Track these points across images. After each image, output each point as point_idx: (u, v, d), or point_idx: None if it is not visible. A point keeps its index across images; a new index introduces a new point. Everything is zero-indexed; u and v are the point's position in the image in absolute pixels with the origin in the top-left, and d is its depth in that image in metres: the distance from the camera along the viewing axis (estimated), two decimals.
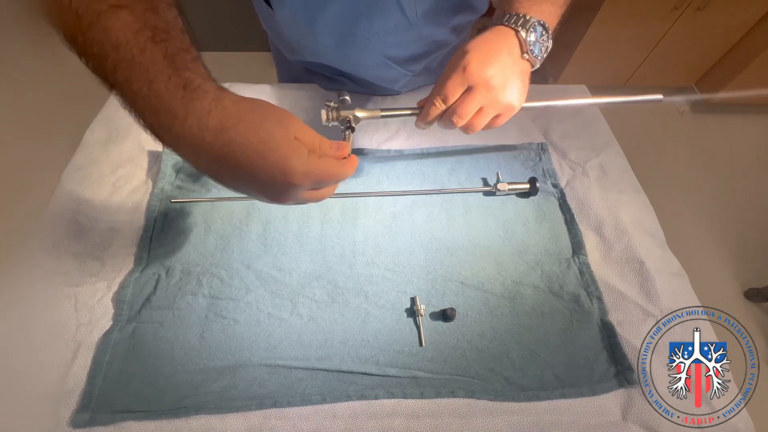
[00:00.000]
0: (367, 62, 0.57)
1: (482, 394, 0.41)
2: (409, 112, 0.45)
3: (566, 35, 1.61)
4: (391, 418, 0.40)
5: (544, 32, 0.41)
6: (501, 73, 0.39)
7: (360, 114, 0.45)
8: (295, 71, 0.67)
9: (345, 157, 0.34)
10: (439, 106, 0.41)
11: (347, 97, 0.46)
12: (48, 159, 1.08)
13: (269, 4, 0.52)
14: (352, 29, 0.51)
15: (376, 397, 0.41)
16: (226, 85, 0.67)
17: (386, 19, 0.50)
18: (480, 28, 0.45)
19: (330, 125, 0.45)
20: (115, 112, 0.61)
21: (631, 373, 0.43)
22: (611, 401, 0.42)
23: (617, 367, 0.44)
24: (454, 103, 0.40)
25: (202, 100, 0.26)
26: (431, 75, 0.66)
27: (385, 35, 0.52)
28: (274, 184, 0.29)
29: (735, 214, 1.51)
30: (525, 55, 0.41)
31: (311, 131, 0.31)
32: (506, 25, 0.41)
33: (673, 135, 1.74)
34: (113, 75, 0.26)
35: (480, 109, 0.40)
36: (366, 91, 0.65)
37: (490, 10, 0.54)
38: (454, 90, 0.39)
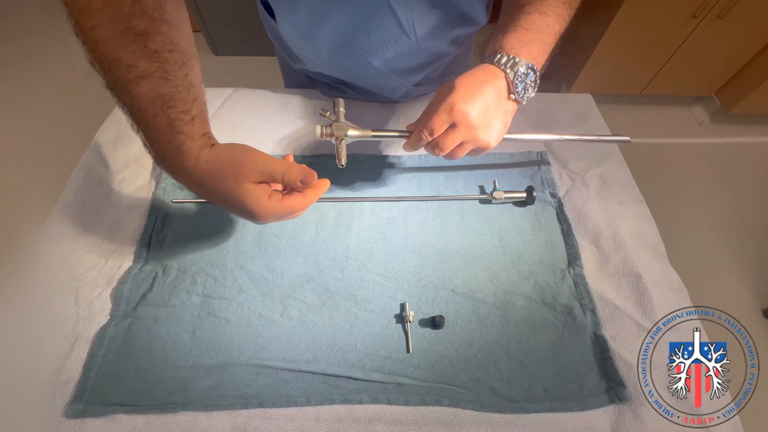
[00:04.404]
0: (366, 73, 0.58)
1: (468, 404, 0.41)
2: (397, 134, 0.47)
3: (581, 42, 1.59)
4: (374, 424, 0.40)
5: (533, 74, 0.43)
6: (484, 115, 0.41)
7: (351, 133, 0.46)
8: (299, 78, 0.69)
9: (313, 184, 0.39)
10: (426, 138, 0.43)
11: (342, 109, 0.47)
12: (59, 158, 1.12)
13: (272, 16, 0.54)
14: (349, 42, 0.52)
15: (360, 402, 0.41)
16: (230, 90, 0.68)
17: (384, 33, 0.51)
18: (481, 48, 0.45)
19: (324, 140, 0.47)
20: (122, 116, 0.63)
21: (622, 389, 0.42)
22: (601, 417, 0.41)
23: (608, 383, 0.43)
24: (438, 137, 0.43)
25: (188, 161, 0.37)
26: (432, 84, 0.66)
27: (383, 48, 0.53)
28: (248, 219, 0.39)
29: (755, 228, 1.45)
30: (512, 95, 0.43)
31: (275, 167, 0.37)
32: (496, 65, 0.42)
33: (691, 146, 1.70)
34: (137, 126, 0.36)
35: (461, 144, 0.43)
36: (366, 98, 0.66)
37: (493, 18, 0.55)
38: (439, 126, 0.42)
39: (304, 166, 0.38)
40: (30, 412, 0.39)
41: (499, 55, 0.42)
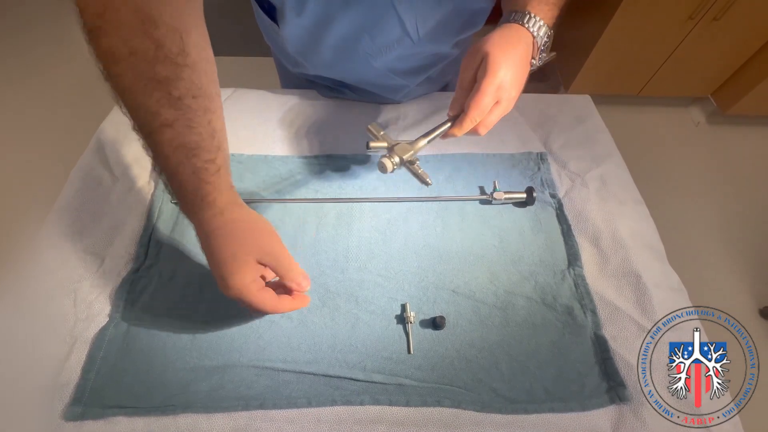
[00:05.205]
0: (368, 75, 0.58)
1: (469, 404, 0.41)
2: (444, 128, 0.45)
3: (578, 43, 1.60)
4: (375, 425, 0.40)
5: (548, 40, 0.43)
6: (519, 85, 0.42)
7: (417, 148, 0.45)
8: (297, 80, 0.69)
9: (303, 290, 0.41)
10: (476, 122, 0.43)
11: (383, 131, 0.47)
12: (57, 158, 1.12)
13: (274, 21, 0.54)
14: (354, 45, 0.52)
15: (361, 403, 0.41)
16: (230, 90, 0.68)
17: (388, 37, 0.51)
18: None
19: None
20: (122, 116, 0.63)
21: (623, 390, 0.42)
22: (601, 417, 0.41)
23: (609, 383, 0.43)
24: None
25: (211, 210, 0.37)
26: (432, 84, 0.66)
27: (387, 51, 0.53)
28: (219, 282, 0.37)
29: (752, 229, 1.46)
30: (533, 60, 0.43)
31: (285, 257, 0.39)
32: (525, 27, 0.42)
33: (688, 147, 1.71)
34: (160, 171, 0.37)
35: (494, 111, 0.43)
36: (367, 100, 0.66)
37: (490, 19, 0.55)
38: (488, 106, 0.42)
39: (306, 273, 0.40)
40: (28, 414, 0.39)
41: (528, 16, 0.42)
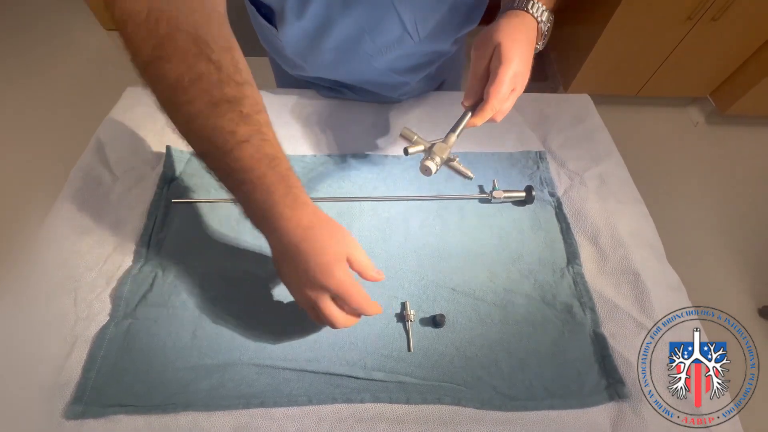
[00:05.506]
0: (368, 74, 0.59)
1: (469, 402, 0.41)
2: (466, 119, 0.45)
3: (577, 43, 1.60)
4: (376, 423, 0.40)
5: (549, 25, 0.44)
6: (529, 69, 0.43)
7: (450, 144, 0.45)
8: (294, 82, 0.69)
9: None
10: (496, 109, 0.43)
11: (417, 134, 0.47)
12: (58, 157, 1.11)
13: (271, 24, 0.54)
14: (355, 46, 0.53)
15: (361, 401, 0.41)
16: None
17: (389, 36, 0.51)
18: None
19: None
20: (123, 114, 0.63)
21: (622, 387, 0.42)
22: (601, 415, 0.41)
23: (608, 380, 0.43)
24: None
25: (305, 209, 0.37)
26: (431, 81, 0.67)
27: (388, 51, 0.54)
28: (314, 275, 0.36)
29: (751, 228, 1.47)
30: (537, 45, 0.44)
31: (362, 256, 0.39)
32: (531, 14, 0.43)
33: (687, 147, 1.71)
34: (239, 186, 0.36)
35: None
36: (366, 99, 0.66)
37: (484, 19, 0.55)
38: (506, 95, 0.43)
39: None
40: (29, 413, 0.39)
41: (531, 2, 0.43)
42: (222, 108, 0.33)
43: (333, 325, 0.38)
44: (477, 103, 0.44)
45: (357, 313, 0.39)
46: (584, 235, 0.53)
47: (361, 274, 0.39)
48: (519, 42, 0.41)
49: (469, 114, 0.45)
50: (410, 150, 0.46)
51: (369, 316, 0.39)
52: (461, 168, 0.46)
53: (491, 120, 0.45)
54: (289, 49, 0.56)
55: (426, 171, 0.44)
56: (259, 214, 0.37)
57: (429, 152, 0.45)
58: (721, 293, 1.32)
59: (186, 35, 0.32)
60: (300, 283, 0.37)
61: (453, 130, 0.46)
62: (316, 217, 0.37)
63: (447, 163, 0.46)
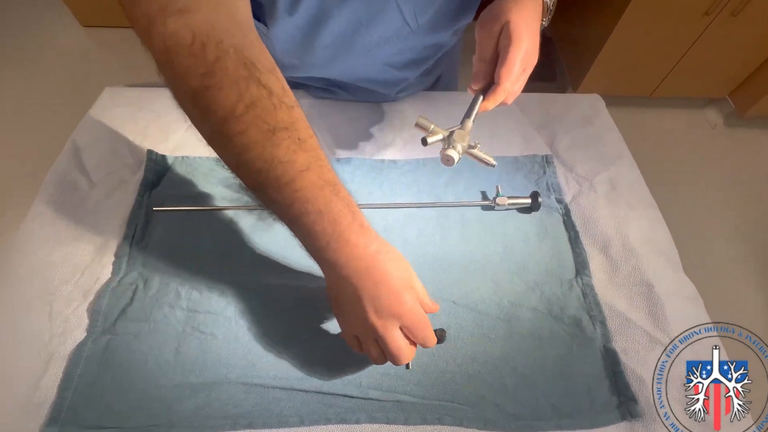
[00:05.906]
0: (365, 70, 0.60)
1: (471, 422, 0.42)
2: (479, 103, 0.47)
3: (587, 41, 1.63)
4: None
5: (555, 2, 0.47)
6: (537, 47, 0.45)
7: (467, 129, 0.46)
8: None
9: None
10: (508, 91, 0.45)
11: (433, 123, 0.48)
12: (32, 161, 1.12)
13: (262, 21, 0.55)
14: (350, 40, 0.54)
15: (357, 422, 0.42)
16: None
17: (387, 28, 0.53)
18: None
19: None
20: (102, 115, 0.64)
21: (634, 405, 0.43)
22: None
23: (620, 398, 0.44)
24: None
25: (370, 234, 0.38)
26: (428, 76, 0.68)
27: (386, 44, 0.55)
28: (386, 303, 0.36)
29: None
30: (543, 21, 0.46)
31: (420, 284, 0.40)
32: None
33: (704, 150, 1.74)
34: (300, 217, 0.35)
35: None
36: (360, 99, 0.68)
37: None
38: (518, 75, 0.44)
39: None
40: None
41: None
42: (278, 136, 0.33)
43: (396, 360, 0.38)
44: (486, 87, 0.46)
45: (415, 345, 0.39)
46: (594, 244, 0.55)
47: (421, 302, 0.39)
48: (527, 19, 0.43)
49: (481, 98, 0.47)
50: (429, 140, 0.46)
51: (427, 348, 0.39)
52: (482, 155, 0.47)
53: (503, 103, 0.47)
54: (280, 47, 0.57)
55: (448, 161, 0.45)
56: (322, 243, 0.36)
57: (448, 140, 0.46)
58: (742, 307, 1.33)
59: (235, 59, 0.32)
60: (365, 312, 0.36)
61: (467, 115, 0.47)
62: (379, 242, 0.38)
63: (468, 150, 0.47)
